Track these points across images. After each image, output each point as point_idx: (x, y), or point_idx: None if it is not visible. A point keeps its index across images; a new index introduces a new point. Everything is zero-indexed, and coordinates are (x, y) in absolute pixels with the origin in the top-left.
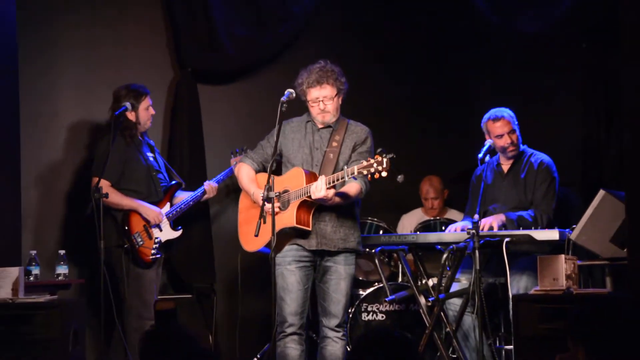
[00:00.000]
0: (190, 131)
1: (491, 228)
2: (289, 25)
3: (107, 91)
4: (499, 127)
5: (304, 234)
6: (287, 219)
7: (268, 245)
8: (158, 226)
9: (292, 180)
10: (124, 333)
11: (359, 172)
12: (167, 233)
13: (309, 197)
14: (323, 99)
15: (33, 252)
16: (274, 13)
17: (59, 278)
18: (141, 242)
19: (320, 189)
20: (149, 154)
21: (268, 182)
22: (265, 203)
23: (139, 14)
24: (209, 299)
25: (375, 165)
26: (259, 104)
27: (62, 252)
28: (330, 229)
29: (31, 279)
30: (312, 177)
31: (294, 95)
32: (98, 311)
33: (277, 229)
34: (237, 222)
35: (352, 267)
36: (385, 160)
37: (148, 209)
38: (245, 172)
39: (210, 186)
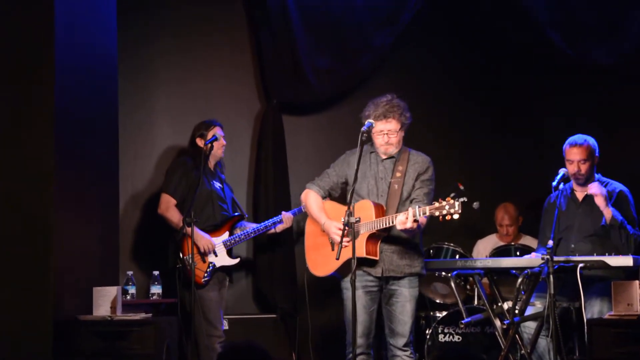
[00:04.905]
0: (275, 161)
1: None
2: (370, 57)
3: (197, 120)
4: (573, 153)
5: (371, 262)
6: (357, 249)
7: (337, 271)
8: (214, 251)
9: (360, 211)
10: (197, 350)
11: (431, 213)
12: (222, 259)
13: (383, 230)
14: (388, 132)
15: (130, 273)
16: (355, 45)
17: (153, 297)
18: (194, 264)
19: (407, 222)
20: (217, 184)
21: (349, 208)
22: (336, 231)
23: (227, 49)
24: (292, 319)
25: (447, 207)
26: (340, 135)
27: (156, 272)
28: (397, 256)
29: (128, 297)
30: (380, 209)
31: (374, 126)
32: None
33: (346, 258)
34: (305, 247)
35: (416, 289)
36: (457, 204)
37: (200, 236)
38: (314, 200)
39: (287, 217)
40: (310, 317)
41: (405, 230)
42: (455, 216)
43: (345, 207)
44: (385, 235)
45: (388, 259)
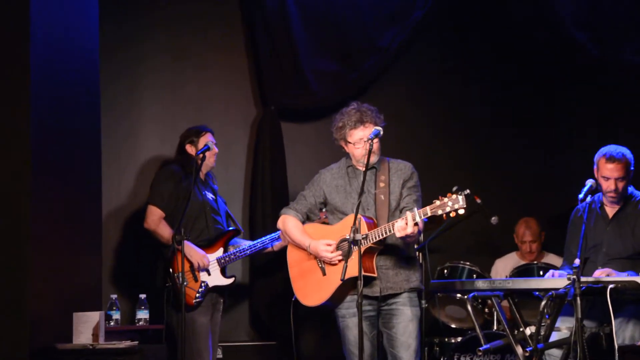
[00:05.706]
0: (273, 173)
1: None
2: (376, 59)
3: (187, 128)
4: (610, 169)
5: (367, 281)
6: (352, 268)
7: (329, 299)
8: (206, 270)
9: (350, 228)
10: None
11: (433, 213)
12: (215, 278)
13: (379, 242)
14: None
15: (114, 296)
16: (360, 47)
17: (140, 323)
18: (185, 283)
19: (407, 227)
20: (209, 195)
21: (354, 223)
22: (326, 248)
23: (221, 50)
24: (291, 345)
25: (450, 204)
26: None
27: (142, 296)
28: (392, 272)
29: (111, 324)
30: (372, 222)
31: (382, 134)
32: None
33: (338, 284)
34: (290, 278)
35: (417, 308)
36: (461, 197)
37: (193, 250)
38: (293, 224)
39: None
40: (310, 345)
41: (405, 237)
42: (461, 211)
43: (333, 227)
44: (380, 249)
45: (384, 276)
